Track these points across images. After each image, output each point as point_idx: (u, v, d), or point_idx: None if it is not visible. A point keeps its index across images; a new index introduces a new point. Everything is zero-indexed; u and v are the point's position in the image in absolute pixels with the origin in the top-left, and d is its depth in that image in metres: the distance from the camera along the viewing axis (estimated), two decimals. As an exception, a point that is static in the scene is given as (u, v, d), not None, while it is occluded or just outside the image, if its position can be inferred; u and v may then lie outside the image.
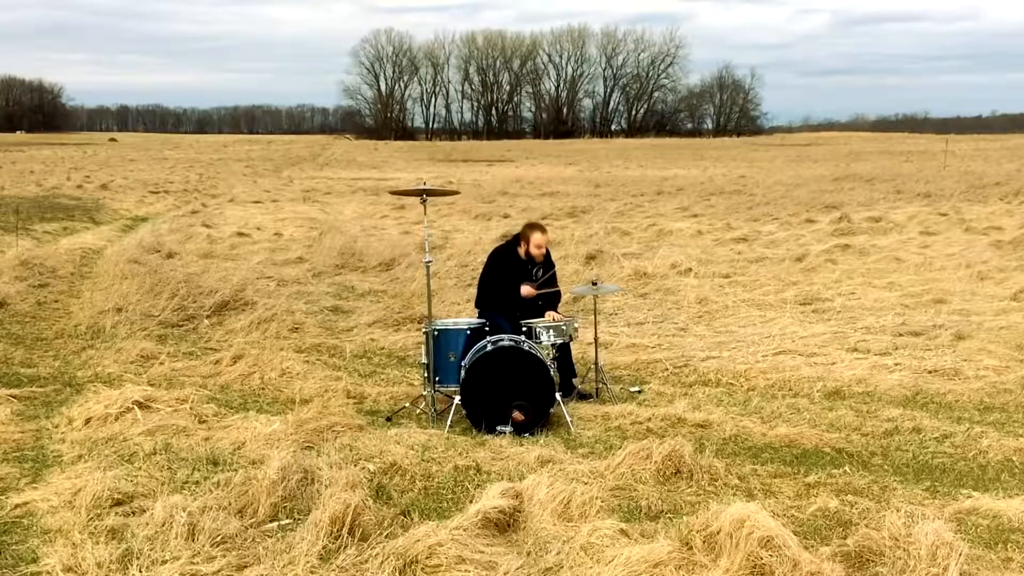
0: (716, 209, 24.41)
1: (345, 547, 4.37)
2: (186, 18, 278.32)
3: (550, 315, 7.43)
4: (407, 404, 7.16)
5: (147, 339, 9.14)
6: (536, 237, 7.56)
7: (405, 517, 4.89)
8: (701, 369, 8.29)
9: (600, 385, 7.53)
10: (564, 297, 8.69)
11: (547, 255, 7.78)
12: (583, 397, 7.49)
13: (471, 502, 4.92)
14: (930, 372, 7.95)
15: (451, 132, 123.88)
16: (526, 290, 7.53)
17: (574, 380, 7.58)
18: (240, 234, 18.87)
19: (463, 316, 9.52)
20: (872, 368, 8.09)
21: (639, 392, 7.69)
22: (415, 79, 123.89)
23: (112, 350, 8.73)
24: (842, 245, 16.08)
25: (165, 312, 10.21)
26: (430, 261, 7.36)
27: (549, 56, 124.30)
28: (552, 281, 7.69)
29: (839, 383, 7.75)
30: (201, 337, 9.60)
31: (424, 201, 7.31)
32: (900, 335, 9.36)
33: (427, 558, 4.24)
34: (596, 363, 7.59)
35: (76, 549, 4.37)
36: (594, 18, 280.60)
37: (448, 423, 6.62)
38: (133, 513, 4.82)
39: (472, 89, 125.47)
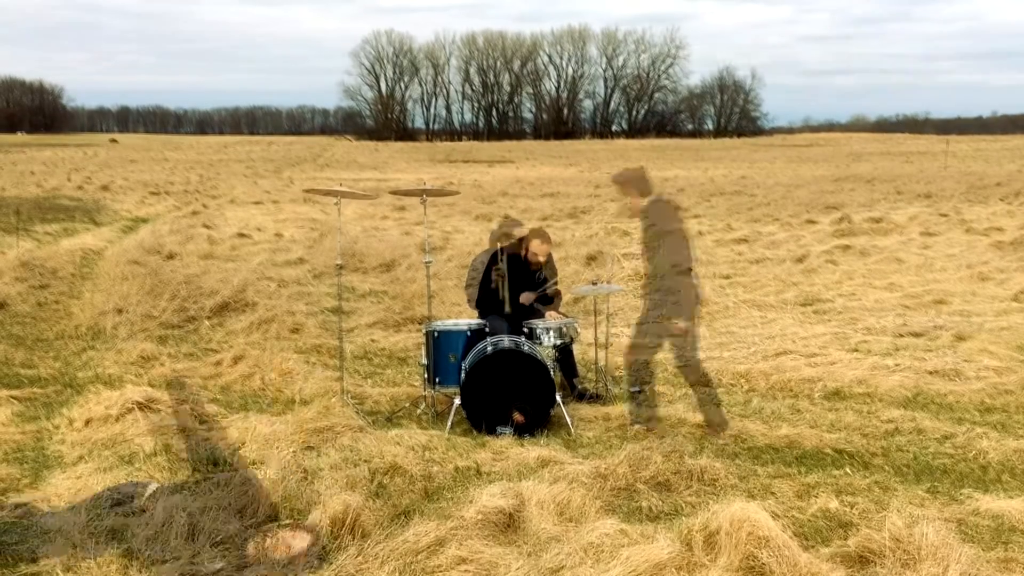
0: (717, 210, 24.39)
1: (345, 547, 4.37)
2: (186, 18, 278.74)
3: (551, 313, 7.43)
4: (407, 405, 7.16)
5: (148, 340, 9.15)
6: (534, 244, 7.55)
7: (405, 517, 4.89)
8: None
9: (600, 385, 7.53)
10: (564, 298, 8.69)
11: (551, 265, 7.78)
12: (583, 398, 7.48)
13: (471, 502, 4.92)
14: (931, 373, 7.94)
15: (451, 133, 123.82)
16: (525, 296, 7.54)
17: (575, 380, 7.58)
18: (240, 235, 18.86)
19: (463, 317, 9.51)
20: (873, 369, 8.08)
21: (639, 392, 7.67)
22: (415, 80, 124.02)
23: (113, 351, 8.73)
24: (843, 246, 16.07)
25: (166, 313, 10.22)
26: (430, 262, 7.37)
27: (549, 57, 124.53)
28: (551, 285, 7.70)
29: (840, 384, 7.74)
30: (202, 338, 9.60)
31: (424, 202, 7.32)
32: (901, 336, 9.36)
33: (427, 558, 4.24)
34: (596, 364, 7.59)
35: (76, 549, 4.37)
36: (594, 18, 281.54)
37: (448, 424, 6.62)
38: (133, 513, 4.83)
39: (472, 90, 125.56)
